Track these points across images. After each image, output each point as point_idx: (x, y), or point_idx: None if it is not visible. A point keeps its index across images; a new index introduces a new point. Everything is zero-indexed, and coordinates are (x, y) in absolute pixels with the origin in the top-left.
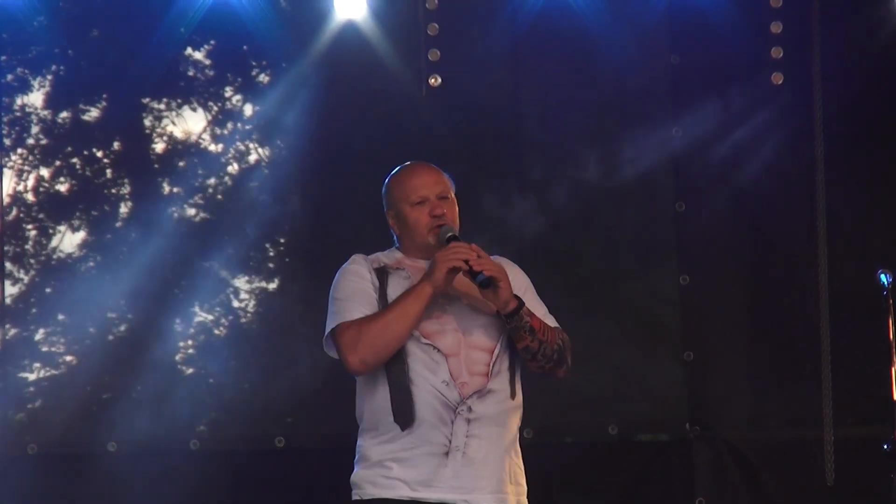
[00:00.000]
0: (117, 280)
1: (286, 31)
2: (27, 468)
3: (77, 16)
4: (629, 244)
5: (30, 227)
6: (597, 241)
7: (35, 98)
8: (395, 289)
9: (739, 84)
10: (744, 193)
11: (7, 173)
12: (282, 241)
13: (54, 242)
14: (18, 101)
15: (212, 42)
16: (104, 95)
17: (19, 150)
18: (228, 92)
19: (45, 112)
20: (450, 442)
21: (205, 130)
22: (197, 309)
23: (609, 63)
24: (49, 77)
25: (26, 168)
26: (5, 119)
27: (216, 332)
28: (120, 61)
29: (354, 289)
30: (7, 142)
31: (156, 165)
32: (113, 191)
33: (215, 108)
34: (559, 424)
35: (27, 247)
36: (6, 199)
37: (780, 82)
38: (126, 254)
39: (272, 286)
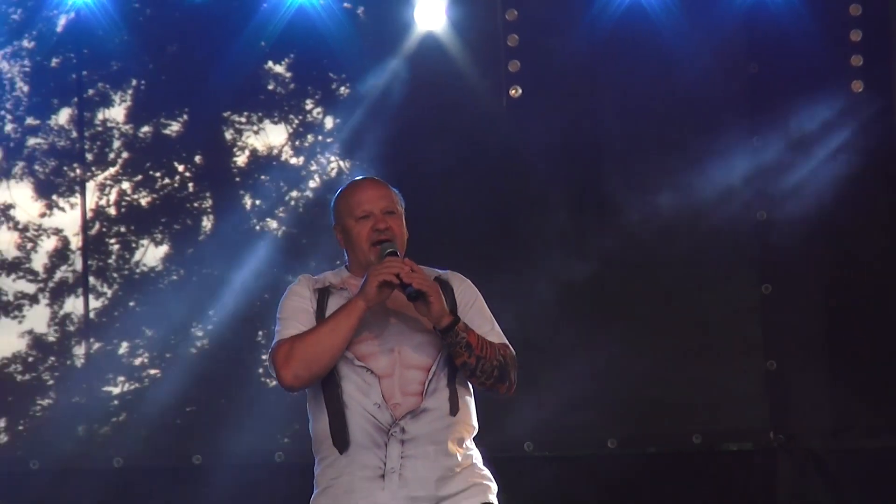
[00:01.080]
0: (200, 293)
1: (366, 43)
2: (112, 481)
3: (157, 31)
4: (710, 254)
5: (112, 241)
6: (677, 251)
7: (116, 113)
8: (333, 308)
9: (819, 92)
10: (825, 201)
11: (89, 188)
12: None
13: (137, 256)
14: (100, 116)
15: (292, 55)
16: (185, 109)
17: (101, 165)
18: (309, 105)
19: (127, 126)
20: (384, 465)
21: (286, 143)
22: None
23: (688, 72)
24: (130, 92)
25: (108, 182)
26: (87, 134)
27: None
28: (200, 75)
29: (294, 307)
30: (89, 156)
31: (237, 179)
32: (195, 204)
33: (296, 121)
34: (643, 435)
35: (110, 261)
36: (89, 214)
37: (861, 90)
38: (208, 267)
39: None
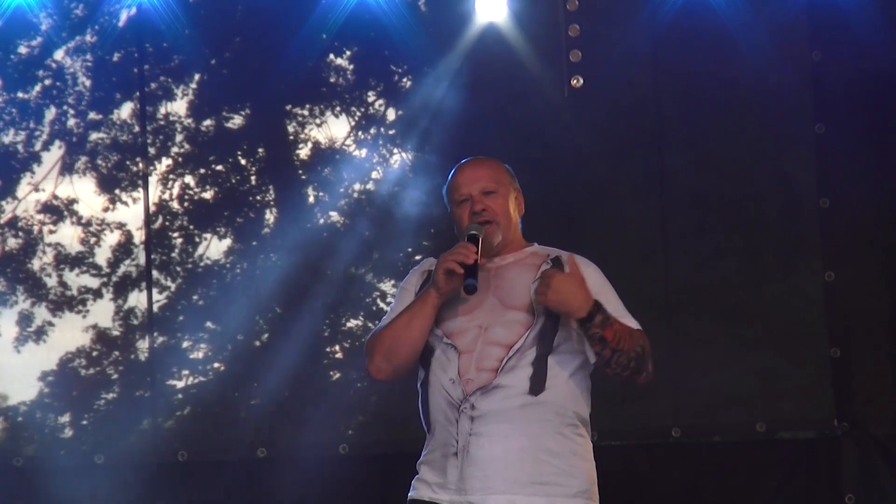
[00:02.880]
0: (264, 287)
1: (427, 35)
2: (177, 475)
3: (219, 25)
4: (772, 242)
5: (175, 235)
6: (740, 239)
7: (178, 106)
8: None
9: (882, 78)
10: (888, 187)
11: (152, 182)
12: (426, 244)
13: (200, 250)
14: (162, 110)
15: (353, 48)
16: (247, 103)
17: (164, 159)
18: (371, 97)
19: (189, 120)
20: (457, 442)
21: (348, 136)
22: (343, 314)
23: (749, 60)
24: (192, 86)
25: (171, 177)
26: (150, 128)
27: (363, 337)
28: (262, 68)
29: (397, 296)
30: (152, 150)
31: (300, 171)
32: (258, 198)
33: (358, 114)
34: (707, 423)
35: (173, 255)
36: (152, 208)
37: None
38: (272, 260)
39: None
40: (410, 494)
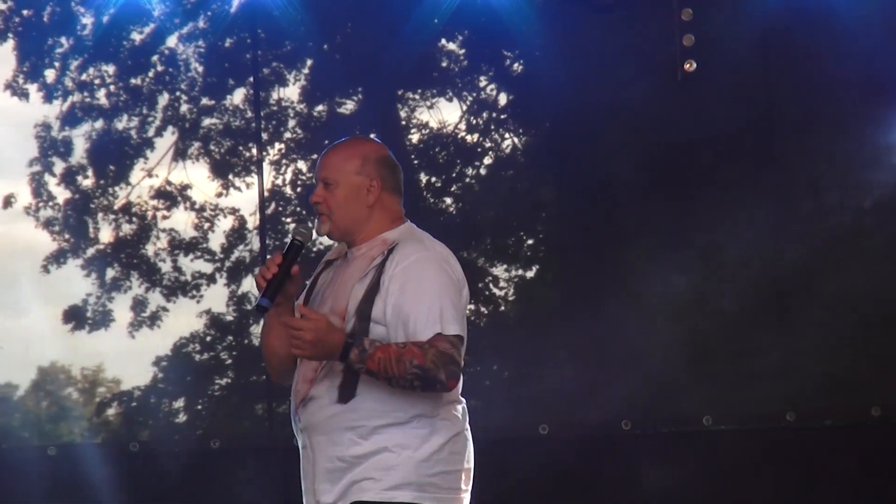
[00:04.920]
0: None
1: (539, 19)
2: (292, 459)
3: (330, 10)
4: (885, 225)
5: (289, 220)
6: (853, 223)
7: (291, 92)
8: (320, 283)
9: None
10: None
11: (265, 167)
12: (538, 228)
13: (312, 235)
14: (275, 96)
15: (465, 32)
16: (359, 88)
17: (277, 144)
18: (483, 81)
19: (301, 106)
20: (301, 452)
21: (460, 120)
22: None
23: (861, 43)
24: (304, 71)
25: (284, 162)
26: (262, 113)
27: (476, 321)
28: (374, 53)
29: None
30: (265, 136)
31: (412, 156)
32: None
33: (470, 98)
34: (820, 408)
35: (286, 240)
36: (265, 193)
37: None
38: None
39: (530, 274)
40: None
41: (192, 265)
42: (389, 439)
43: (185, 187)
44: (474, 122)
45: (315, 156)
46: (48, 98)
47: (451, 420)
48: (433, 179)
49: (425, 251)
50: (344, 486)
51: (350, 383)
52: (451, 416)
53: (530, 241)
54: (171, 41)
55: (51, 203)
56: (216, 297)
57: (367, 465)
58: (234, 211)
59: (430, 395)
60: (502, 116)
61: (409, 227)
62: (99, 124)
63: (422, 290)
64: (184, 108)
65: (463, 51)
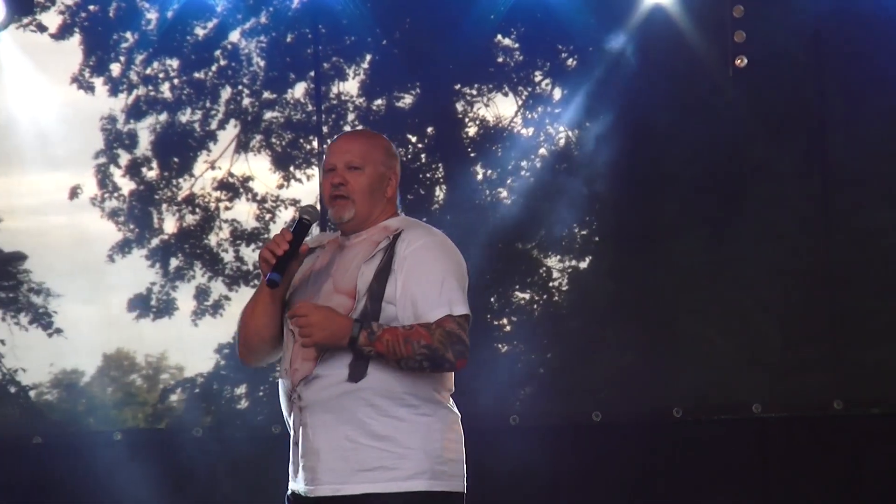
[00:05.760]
0: None
1: (593, 15)
2: None
3: (390, 6)
4: None
5: None
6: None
7: (350, 86)
8: (304, 268)
9: None
10: None
11: None
12: (591, 220)
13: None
14: (335, 90)
15: (521, 28)
16: (417, 83)
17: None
18: (538, 76)
19: (360, 100)
20: (293, 431)
21: (516, 115)
22: (511, 289)
23: None
24: (363, 66)
25: None
26: (323, 107)
27: (531, 310)
28: (431, 49)
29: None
30: (325, 129)
31: (469, 149)
32: (427, 175)
33: (525, 93)
34: (867, 397)
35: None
36: None
37: None
38: None
39: (583, 265)
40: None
41: (253, 255)
42: (399, 424)
43: (247, 179)
44: (529, 116)
45: None
46: (114, 91)
47: (451, 407)
48: (489, 172)
49: (432, 236)
50: (352, 469)
51: (362, 362)
52: (450, 403)
53: (584, 233)
54: (234, 36)
55: (116, 194)
56: None
57: (378, 451)
58: (294, 202)
59: (437, 376)
60: (557, 111)
61: (407, 217)
62: (163, 117)
63: (431, 273)
64: (246, 101)
65: (518, 46)
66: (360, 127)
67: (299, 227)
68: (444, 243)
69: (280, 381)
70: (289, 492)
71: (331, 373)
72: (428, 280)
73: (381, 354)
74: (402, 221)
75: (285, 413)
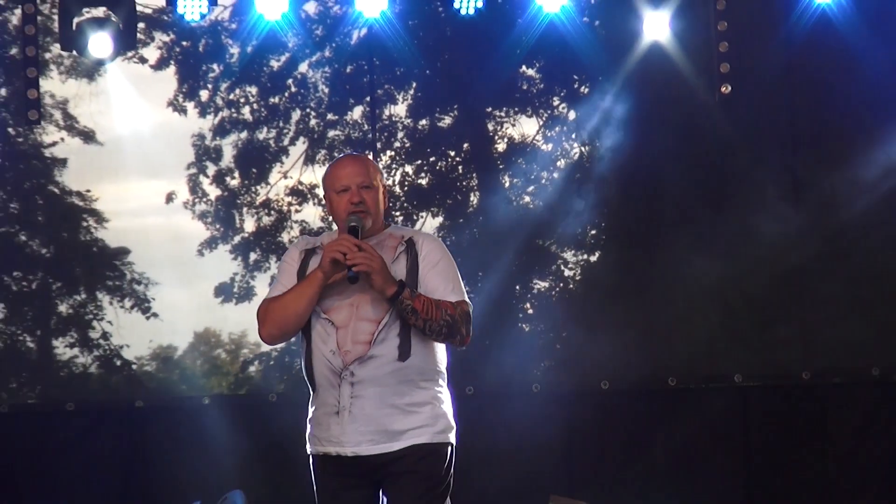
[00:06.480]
0: (468, 255)
1: (602, 50)
2: None
3: (433, 42)
4: (888, 221)
5: (398, 213)
6: (860, 217)
7: (400, 109)
8: (311, 267)
9: None
10: None
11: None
12: (600, 221)
13: (417, 226)
14: (387, 112)
15: (542, 61)
16: (455, 106)
17: (388, 152)
18: (556, 101)
19: (408, 120)
20: (339, 402)
21: (537, 133)
22: (534, 277)
23: (868, 73)
24: (411, 92)
25: (394, 166)
26: (377, 126)
27: (549, 296)
28: (467, 78)
29: (281, 269)
30: (378, 145)
31: (498, 162)
32: (464, 183)
33: (545, 115)
34: (831, 368)
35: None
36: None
37: None
38: (475, 234)
39: (594, 258)
40: (308, 450)
41: None
42: (430, 392)
43: (314, 187)
44: (549, 134)
45: (420, 161)
46: (202, 113)
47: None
48: (515, 181)
49: (438, 242)
50: (400, 429)
51: (407, 345)
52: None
53: (594, 232)
54: (303, 67)
55: (204, 199)
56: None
57: (420, 414)
58: None
59: (443, 357)
60: (571, 130)
61: (403, 227)
62: (244, 135)
63: (446, 269)
64: (312, 122)
65: (540, 76)
66: (408, 144)
67: (351, 232)
68: (446, 249)
69: (322, 360)
70: (319, 454)
71: (384, 353)
72: (446, 274)
73: (416, 312)
74: (406, 230)
75: (326, 385)
